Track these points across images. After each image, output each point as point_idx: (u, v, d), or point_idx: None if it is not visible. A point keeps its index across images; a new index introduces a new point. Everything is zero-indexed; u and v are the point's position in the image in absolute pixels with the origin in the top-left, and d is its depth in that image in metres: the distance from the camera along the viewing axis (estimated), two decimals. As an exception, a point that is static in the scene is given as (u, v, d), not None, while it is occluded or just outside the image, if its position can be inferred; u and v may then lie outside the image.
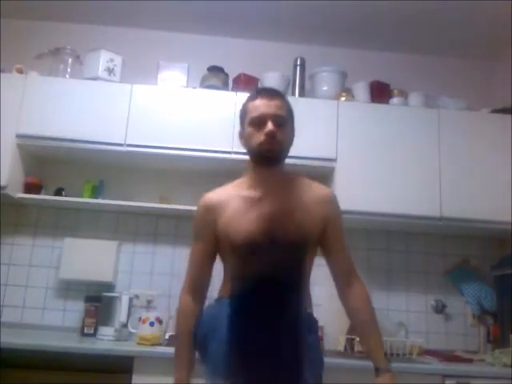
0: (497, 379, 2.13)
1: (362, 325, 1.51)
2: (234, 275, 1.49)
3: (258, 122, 1.48)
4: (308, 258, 1.52)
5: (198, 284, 1.56)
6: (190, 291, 1.56)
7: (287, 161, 2.53)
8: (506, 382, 2.11)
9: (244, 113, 1.54)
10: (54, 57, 2.71)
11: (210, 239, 1.53)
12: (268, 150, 1.48)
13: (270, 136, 1.46)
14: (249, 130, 1.50)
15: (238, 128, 1.61)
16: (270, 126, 1.46)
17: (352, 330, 1.51)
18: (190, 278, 1.57)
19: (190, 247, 1.58)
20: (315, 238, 1.52)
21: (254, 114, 1.49)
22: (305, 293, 1.53)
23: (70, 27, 3.01)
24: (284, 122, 1.52)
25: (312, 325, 1.55)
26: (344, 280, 1.57)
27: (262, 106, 1.49)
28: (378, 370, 1.44)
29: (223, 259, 1.56)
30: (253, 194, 1.52)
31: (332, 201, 1.59)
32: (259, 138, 1.47)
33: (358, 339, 2.28)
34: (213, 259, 1.57)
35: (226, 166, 2.64)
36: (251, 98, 1.53)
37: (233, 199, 1.53)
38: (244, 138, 1.55)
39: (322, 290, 2.73)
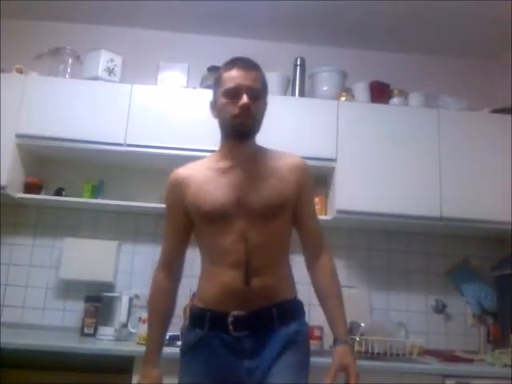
0: (497, 379, 2.12)
1: (327, 295, 1.50)
2: (212, 263, 1.46)
3: (233, 94, 1.42)
4: (286, 224, 1.50)
5: (170, 260, 1.54)
6: (163, 267, 1.54)
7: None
8: (506, 382, 2.11)
9: (218, 82, 1.48)
10: (54, 57, 2.70)
11: (180, 213, 1.50)
12: (242, 123, 1.43)
13: (245, 109, 1.41)
14: (222, 100, 1.45)
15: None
16: (245, 98, 1.41)
17: (318, 301, 1.51)
18: (163, 255, 1.55)
19: (164, 224, 1.57)
20: (290, 204, 1.49)
21: (229, 84, 1.43)
22: (283, 262, 1.53)
23: (70, 27, 3.01)
24: (259, 95, 1.46)
25: (296, 314, 1.51)
26: (313, 251, 1.56)
27: (237, 77, 1.43)
28: (335, 341, 1.46)
29: (199, 241, 1.53)
30: (223, 164, 1.50)
31: (305, 168, 1.57)
32: (233, 110, 1.42)
33: (358, 339, 2.29)
34: (185, 236, 1.54)
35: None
36: (226, 68, 1.46)
37: (200, 171, 1.51)
38: (216, 108, 1.49)
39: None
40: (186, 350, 1.47)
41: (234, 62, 1.46)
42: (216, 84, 1.49)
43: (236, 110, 1.42)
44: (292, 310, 1.50)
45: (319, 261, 1.54)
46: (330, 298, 1.49)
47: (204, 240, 1.50)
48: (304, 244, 1.58)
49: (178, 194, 1.50)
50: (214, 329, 1.42)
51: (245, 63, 1.47)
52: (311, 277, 1.56)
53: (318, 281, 1.53)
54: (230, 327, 1.39)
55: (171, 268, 1.54)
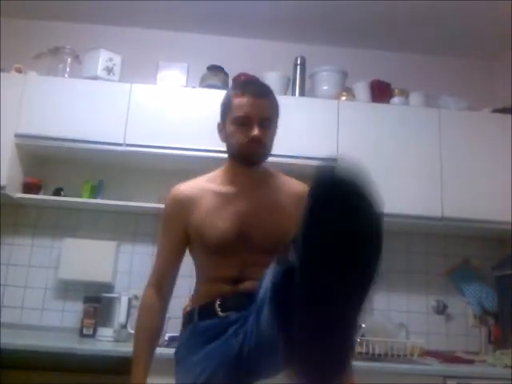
0: (498, 380, 2.12)
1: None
2: (207, 277, 1.43)
3: (243, 122, 1.37)
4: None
5: (163, 279, 1.48)
6: (154, 285, 1.47)
7: (286, 160, 2.55)
8: (507, 382, 2.10)
9: (227, 107, 1.43)
10: (53, 56, 2.70)
11: (180, 234, 1.45)
12: (251, 154, 1.39)
13: (255, 141, 1.36)
14: (231, 128, 1.40)
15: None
16: (255, 130, 1.35)
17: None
18: (156, 272, 1.49)
19: (158, 239, 1.53)
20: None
21: (238, 112, 1.38)
22: None
23: (69, 27, 3.00)
24: (270, 124, 1.41)
25: None
26: None
27: (247, 105, 1.36)
28: None
29: (195, 258, 1.50)
30: (228, 189, 1.45)
31: None
32: (243, 139, 1.37)
33: (358, 340, 2.28)
34: (181, 255, 1.50)
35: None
36: (237, 93, 1.40)
37: (206, 194, 1.44)
38: (225, 133, 1.45)
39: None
40: (201, 334, 1.38)
41: (245, 88, 1.41)
42: (225, 108, 1.44)
43: (245, 140, 1.37)
44: None
45: None
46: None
47: (200, 261, 1.47)
48: None
49: (182, 212, 1.45)
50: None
51: (256, 89, 1.41)
52: None
53: None
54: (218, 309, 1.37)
55: (163, 286, 1.47)
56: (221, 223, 1.38)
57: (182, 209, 1.45)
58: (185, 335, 1.44)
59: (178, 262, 1.50)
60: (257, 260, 1.35)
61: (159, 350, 2.15)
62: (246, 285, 1.36)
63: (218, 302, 1.37)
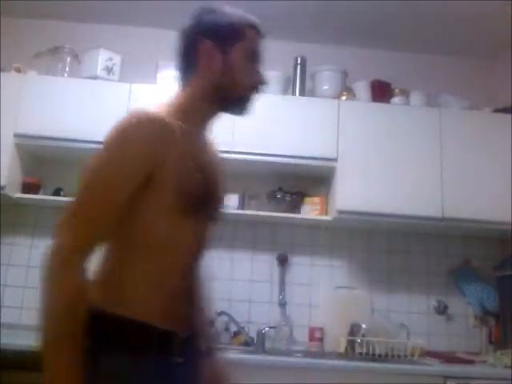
0: (498, 380, 2.12)
1: None
2: (154, 244, 1.04)
3: (256, 61, 1.16)
4: None
5: (92, 249, 0.98)
6: (82, 260, 0.96)
7: (286, 160, 2.55)
8: (507, 383, 2.10)
9: (238, 33, 1.14)
10: (53, 56, 2.69)
11: (139, 180, 1.00)
12: (253, 100, 1.16)
13: (262, 86, 1.17)
14: (243, 62, 1.13)
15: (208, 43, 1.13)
16: (265, 75, 1.17)
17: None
18: (89, 228, 0.97)
19: (96, 172, 1.02)
20: None
21: (257, 47, 1.17)
22: None
23: (69, 26, 2.99)
24: None
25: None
26: None
27: (261, 45, 1.19)
28: None
29: (135, 223, 1.03)
30: (201, 136, 1.16)
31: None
32: (253, 78, 1.14)
33: (359, 340, 2.27)
34: (118, 216, 1.00)
35: (226, 165, 2.63)
36: (253, 26, 1.17)
37: (184, 135, 1.06)
38: (225, 62, 1.12)
39: (321, 290, 2.73)
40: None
41: (254, 22, 1.19)
42: (235, 32, 1.14)
43: (253, 83, 1.15)
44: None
45: None
46: None
47: (152, 231, 1.04)
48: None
49: (158, 147, 1.01)
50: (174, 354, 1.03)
51: (260, 28, 1.21)
52: None
53: None
54: (178, 351, 1.03)
55: (86, 263, 0.97)
56: (201, 172, 1.08)
57: (160, 143, 1.01)
58: (156, 371, 0.99)
59: (110, 228, 1.01)
60: (203, 230, 1.14)
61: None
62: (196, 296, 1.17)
63: (179, 340, 1.03)
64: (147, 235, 1.03)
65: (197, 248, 1.12)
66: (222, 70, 1.11)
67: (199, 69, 1.12)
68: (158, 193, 1.01)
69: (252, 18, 1.19)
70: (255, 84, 1.15)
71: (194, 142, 1.10)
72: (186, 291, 1.10)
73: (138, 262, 1.03)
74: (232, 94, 1.13)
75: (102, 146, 1.03)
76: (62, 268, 0.94)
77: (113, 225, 1.00)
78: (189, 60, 1.14)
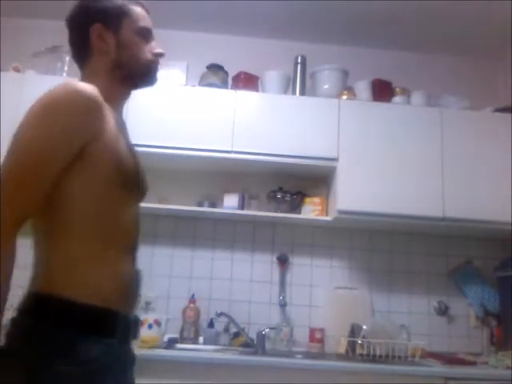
0: (499, 381, 2.11)
1: None
2: (94, 223, 1.02)
3: (147, 37, 1.21)
4: None
5: (27, 217, 0.97)
6: (17, 227, 0.95)
7: (287, 160, 2.54)
8: (509, 384, 2.09)
9: (122, 12, 1.18)
10: (52, 55, 2.68)
11: (75, 149, 0.99)
12: (156, 73, 1.22)
13: (159, 59, 1.22)
14: (134, 39, 1.18)
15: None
16: (159, 48, 1.23)
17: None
18: (21, 204, 0.95)
19: (29, 143, 0.99)
20: None
21: (143, 23, 1.21)
22: None
23: (68, 25, 2.98)
24: None
25: None
26: None
27: (147, 18, 1.24)
28: None
29: (72, 199, 1.01)
30: (115, 114, 1.15)
31: None
32: (147, 54, 1.19)
33: (359, 341, 2.26)
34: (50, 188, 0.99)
35: (226, 165, 2.62)
36: (131, 1, 1.22)
37: (109, 111, 1.09)
38: (116, 42, 1.16)
39: (322, 291, 2.72)
40: (97, 371, 0.96)
41: (137, 0, 1.25)
42: (119, 12, 1.17)
43: (150, 55, 1.20)
44: None
45: None
46: None
47: (91, 207, 1.02)
48: None
49: (92, 121, 1.02)
50: (122, 337, 1.04)
51: (145, 6, 1.27)
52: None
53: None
54: (130, 333, 1.08)
55: (18, 232, 0.96)
56: (127, 149, 1.11)
57: (96, 114, 1.02)
58: (102, 351, 0.98)
59: (43, 198, 0.98)
60: (136, 207, 1.16)
61: (159, 352, 2.17)
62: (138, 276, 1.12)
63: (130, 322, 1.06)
64: (83, 208, 1.02)
65: (135, 227, 1.13)
66: (117, 49, 1.16)
67: (95, 52, 1.16)
68: (92, 166, 1.01)
69: None
70: (152, 56, 1.20)
71: (116, 121, 1.12)
72: (129, 273, 1.09)
73: (75, 238, 1.01)
74: (133, 69, 1.18)
75: (30, 113, 1.03)
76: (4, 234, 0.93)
77: (44, 198, 0.98)
78: (83, 46, 1.17)
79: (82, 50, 1.18)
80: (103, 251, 1.03)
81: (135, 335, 1.13)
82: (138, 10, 1.21)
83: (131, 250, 1.10)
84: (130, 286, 1.08)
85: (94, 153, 1.01)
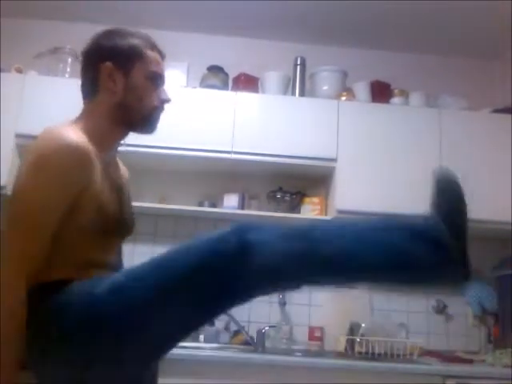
0: (497, 380, 2.12)
1: None
2: (74, 261, 1.11)
3: (157, 82, 1.21)
4: None
5: (38, 263, 1.04)
6: (27, 273, 1.01)
7: (286, 160, 2.56)
8: (507, 382, 2.10)
9: (135, 53, 1.18)
10: (53, 56, 2.69)
11: (71, 198, 1.08)
12: (158, 120, 1.23)
13: (164, 105, 1.22)
14: (143, 82, 1.18)
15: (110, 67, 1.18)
16: (168, 95, 1.23)
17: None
18: (33, 248, 1.03)
19: (31, 196, 1.06)
20: None
21: (155, 67, 1.20)
22: None
23: (70, 26, 3.00)
24: None
25: None
26: None
27: (160, 63, 1.23)
28: None
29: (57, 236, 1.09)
30: (104, 156, 1.16)
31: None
32: (154, 100, 1.20)
33: (358, 340, 2.28)
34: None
35: (226, 165, 2.64)
36: (148, 45, 1.22)
37: (96, 158, 1.12)
38: (125, 83, 1.17)
39: (321, 290, 2.73)
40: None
41: (154, 43, 1.24)
42: (132, 53, 1.18)
43: (157, 102, 1.21)
44: None
45: None
46: None
47: (69, 241, 1.12)
48: None
49: (86, 173, 1.09)
50: None
51: (161, 50, 1.26)
52: None
53: None
54: None
55: (32, 276, 1.03)
56: (110, 195, 1.16)
57: (89, 167, 1.09)
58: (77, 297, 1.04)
59: (49, 242, 1.06)
60: (116, 245, 1.28)
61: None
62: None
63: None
64: (64, 242, 1.10)
65: (112, 265, 1.22)
66: (124, 90, 1.17)
67: (102, 90, 1.18)
68: (79, 213, 1.09)
69: (152, 39, 1.25)
70: (158, 103, 1.21)
71: (105, 165, 1.16)
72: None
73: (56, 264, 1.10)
74: (136, 113, 1.19)
75: (26, 164, 1.09)
76: (11, 284, 1.00)
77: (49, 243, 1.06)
78: (91, 82, 1.20)
79: (90, 83, 1.21)
80: (80, 271, 1.11)
81: None
82: (151, 54, 1.21)
83: (110, 268, 1.19)
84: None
85: (82, 203, 1.09)
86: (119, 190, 1.22)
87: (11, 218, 1.04)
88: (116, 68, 1.17)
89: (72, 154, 1.06)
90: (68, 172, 1.06)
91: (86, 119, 1.18)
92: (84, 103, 1.24)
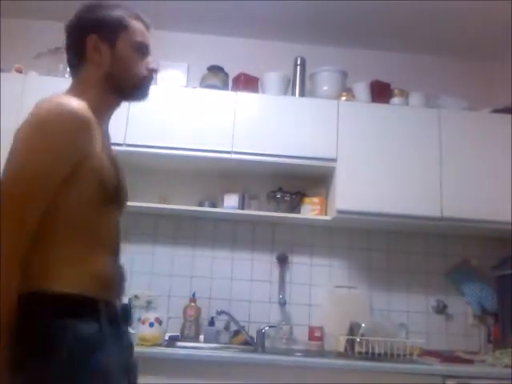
0: (497, 380, 2.12)
1: None
2: (79, 230, 1.08)
3: (143, 51, 1.23)
4: None
5: (31, 236, 1.00)
6: (24, 246, 0.98)
7: (286, 160, 2.56)
8: (507, 382, 2.10)
9: (119, 25, 1.20)
10: (54, 56, 2.69)
11: (69, 166, 1.05)
12: (148, 88, 1.24)
13: (153, 75, 1.25)
14: (129, 53, 1.20)
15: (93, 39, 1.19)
16: (154, 63, 1.26)
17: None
18: (26, 224, 0.99)
19: (28, 162, 1.02)
20: None
21: (140, 38, 1.22)
22: None
23: (70, 27, 3.00)
24: None
25: None
26: None
27: (146, 33, 1.25)
28: None
29: (60, 209, 1.05)
30: (100, 126, 1.16)
31: None
32: (141, 69, 1.22)
33: (358, 340, 2.28)
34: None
35: (226, 165, 2.64)
36: (132, 16, 1.23)
37: (97, 126, 1.12)
38: (111, 55, 1.18)
39: (321, 290, 2.74)
40: (89, 348, 1.01)
41: (138, 14, 1.25)
42: (117, 25, 1.19)
43: (144, 71, 1.23)
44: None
45: None
46: None
47: (74, 218, 1.08)
48: None
49: (89, 139, 1.07)
50: (108, 320, 1.10)
51: (146, 21, 1.28)
52: None
53: None
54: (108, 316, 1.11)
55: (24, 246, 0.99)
56: (109, 165, 1.15)
57: (88, 133, 1.07)
58: (91, 330, 1.02)
59: (44, 206, 1.03)
60: (116, 220, 1.23)
61: (160, 350, 2.19)
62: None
63: (104, 303, 1.08)
64: (67, 218, 1.07)
65: (116, 235, 1.20)
66: (111, 61, 1.18)
67: (89, 62, 1.18)
68: (79, 184, 1.06)
69: (136, 10, 1.25)
70: (146, 72, 1.22)
71: (103, 134, 1.16)
72: (111, 268, 1.15)
73: (56, 243, 1.06)
74: (125, 83, 1.20)
75: (24, 131, 1.08)
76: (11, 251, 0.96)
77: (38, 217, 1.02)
78: (78, 55, 1.20)
79: (76, 57, 1.21)
80: (84, 253, 1.08)
81: (126, 320, 1.19)
82: (136, 24, 1.23)
83: (113, 251, 1.17)
84: (112, 278, 1.15)
85: (81, 173, 1.06)
86: (114, 160, 1.21)
87: (9, 180, 1.00)
88: (101, 40, 1.18)
89: (75, 118, 1.05)
90: (71, 136, 1.04)
91: (76, 91, 1.16)
92: (72, 75, 1.23)
